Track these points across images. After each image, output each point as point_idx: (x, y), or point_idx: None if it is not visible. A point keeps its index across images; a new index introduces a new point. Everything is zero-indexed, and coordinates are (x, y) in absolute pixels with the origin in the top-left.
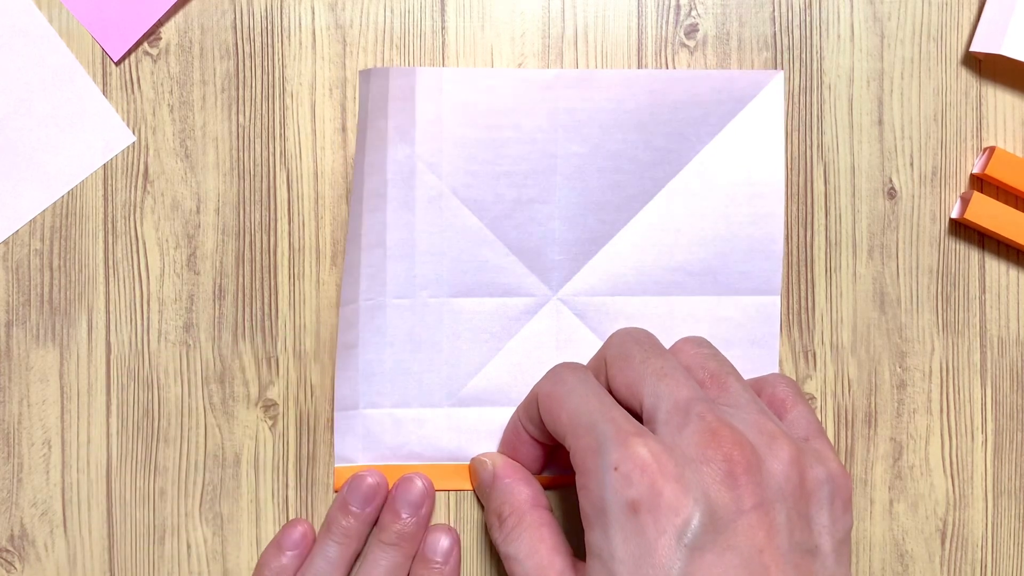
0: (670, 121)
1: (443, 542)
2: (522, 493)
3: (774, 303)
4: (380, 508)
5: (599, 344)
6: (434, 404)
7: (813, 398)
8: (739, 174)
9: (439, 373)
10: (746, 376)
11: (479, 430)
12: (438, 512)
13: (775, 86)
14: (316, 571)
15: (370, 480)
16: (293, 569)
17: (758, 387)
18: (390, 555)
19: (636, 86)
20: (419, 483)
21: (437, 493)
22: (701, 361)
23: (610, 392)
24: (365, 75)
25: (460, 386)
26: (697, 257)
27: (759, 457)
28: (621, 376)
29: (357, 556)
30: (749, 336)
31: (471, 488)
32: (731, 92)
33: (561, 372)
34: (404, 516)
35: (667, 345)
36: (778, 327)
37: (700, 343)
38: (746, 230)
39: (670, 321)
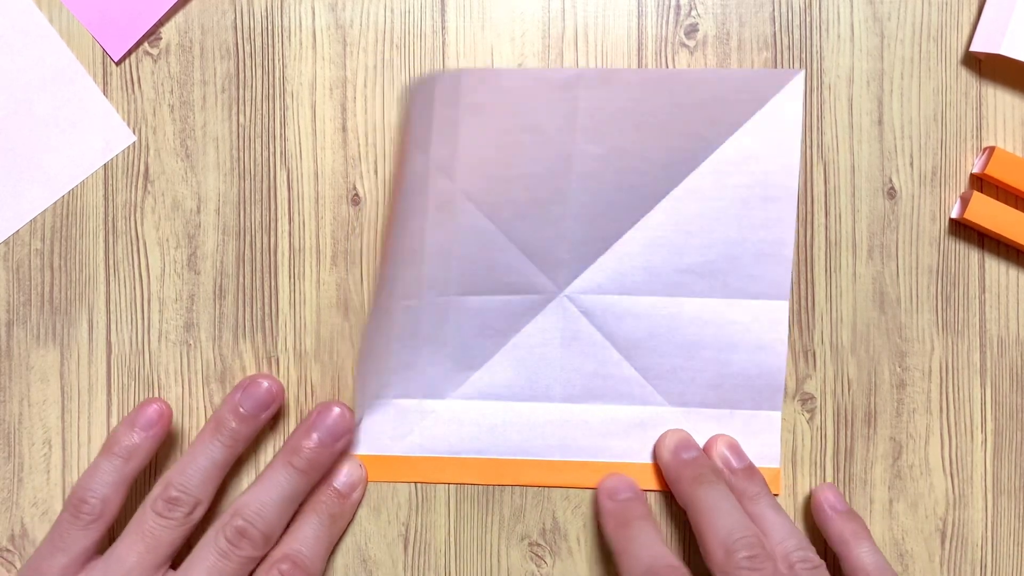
0: (689, 121)
1: (353, 474)
2: None
3: (783, 308)
4: (271, 417)
5: (604, 343)
6: (437, 396)
7: (813, 398)
8: (753, 176)
9: (443, 365)
10: (753, 379)
11: (481, 424)
12: (438, 504)
13: (795, 86)
14: (198, 468)
15: (266, 385)
16: (147, 451)
17: None
18: (294, 480)
19: (657, 86)
20: (340, 411)
21: (435, 487)
22: None
23: None
24: (415, 82)
25: (463, 379)
26: (707, 259)
27: None
28: None
29: (237, 459)
30: (756, 341)
31: (469, 482)
32: (750, 92)
33: None
34: (317, 442)
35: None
36: (786, 333)
37: (799, 566)
38: (757, 234)
39: (677, 322)
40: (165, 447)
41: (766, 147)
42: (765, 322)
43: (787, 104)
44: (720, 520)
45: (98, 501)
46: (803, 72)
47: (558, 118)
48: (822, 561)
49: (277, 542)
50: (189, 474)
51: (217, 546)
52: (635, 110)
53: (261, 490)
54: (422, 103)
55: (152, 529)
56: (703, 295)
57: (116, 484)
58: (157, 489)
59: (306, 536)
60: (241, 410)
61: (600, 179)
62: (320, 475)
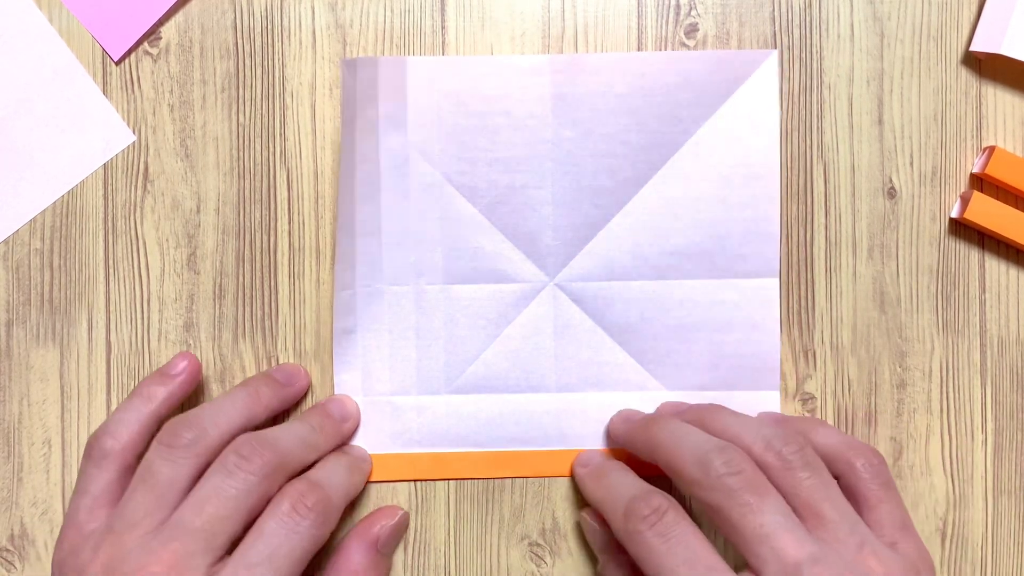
0: (663, 103)
1: (360, 450)
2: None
3: (773, 285)
4: (296, 397)
5: (597, 330)
6: (433, 391)
7: (813, 398)
8: (735, 155)
9: (437, 360)
10: (748, 358)
11: (478, 417)
12: (436, 503)
13: (769, 65)
14: (215, 406)
15: (299, 367)
16: (168, 393)
17: (843, 463)
18: (306, 428)
19: (627, 69)
20: (346, 397)
21: (435, 487)
22: (791, 485)
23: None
24: (350, 64)
25: (459, 373)
26: (694, 240)
27: None
28: (720, 528)
29: (256, 426)
30: (748, 319)
31: (469, 476)
32: (725, 73)
33: (643, 532)
34: (328, 411)
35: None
36: (777, 310)
37: (791, 458)
38: (743, 212)
39: (668, 305)
40: None
41: (745, 127)
42: (756, 301)
43: (763, 83)
44: (683, 442)
45: (107, 437)
46: (776, 51)
47: (530, 103)
48: (805, 442)
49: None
50: (203, 408)
51: (224, 465)
52: (607, 93)
53: (276, 428)
54: (392, 84)
55: (151, 464)
56: (692, 277)
57: (130, 422)
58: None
59: (324, 471)
60: (271, 375)
61: (577, 163)
62: (330, 444)
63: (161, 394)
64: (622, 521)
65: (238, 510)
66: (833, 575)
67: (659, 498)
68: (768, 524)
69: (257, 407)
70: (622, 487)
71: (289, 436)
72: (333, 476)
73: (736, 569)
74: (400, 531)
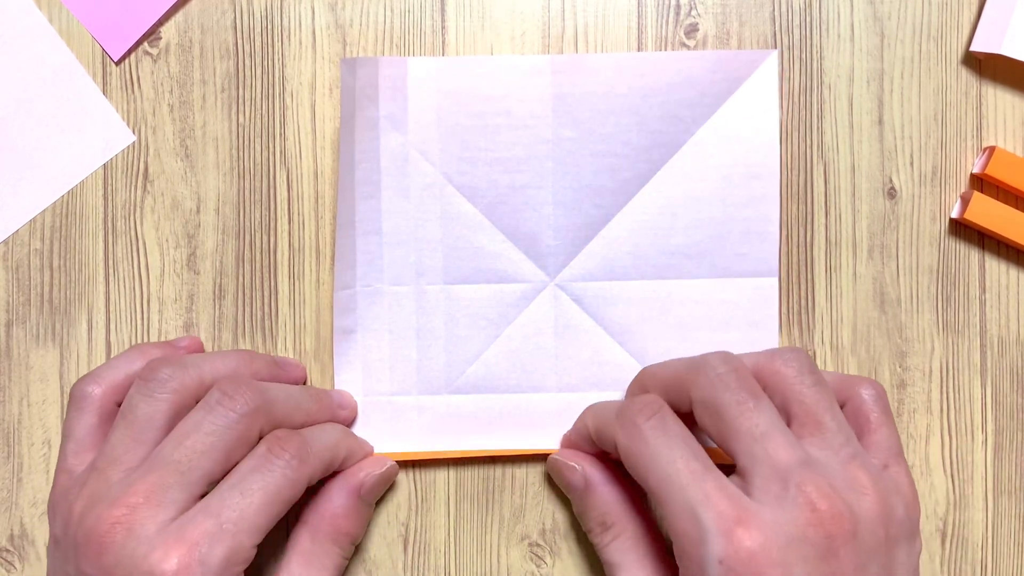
0: (664, 103)
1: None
2: (623, 500)
3: (772, 284)
4: (287, 381)
5: (597, 329)
6: (433, 392)
7: None
8: (735, 155)
9: (437, 360)
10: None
11: (479, 417)
12: (437, 504)
13: (769, 65)
14: (204, 355)
15: (299, 362)
16: (165, 357)
17: (846, 391)
18: (304, 392)
19: (628, 69)
20: (352, 397)
21: (435, 484)
22: (798, 392)
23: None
24: (350, 64)
25: (459, 373)
26: (694, 240)
27: (855, 519)
28: (713, 428)
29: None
30: (748, 318)
31: (474, 453)
32: (725, 72)
33: (639, 425)
34: (331, 394)
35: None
36: (776, 308)
37: (800, 368)
38: (742, 212)
39: (668, 304)
40: None
41: (745, 126)
42: (755, 299)
43: (763, 83)
44: (677, 361)
45: (90, 381)
46: (776, 51)
47: (531, 103)
48: (740, 361)
49: None
50: (193, 355)
51: (207, 402)
52: (608, 94)
53: (270, 383)
54: (392, 84)
55: (130, 400)
56: (692, 276)
57: (116, 369)
58: None
59: (314, 429)
60: (271, 357)
61: (579, 163)
62: (322, 417)
63: (156, 354)
64: (615, 421)
65: (215, 447)
66: (821, 480)
67: (652, 396)
68: (763, 425)
69: (245, 370)
70: (610, 405)
71: (279, 389)
72: (322, 434)
73: None
74: (385, 481)
